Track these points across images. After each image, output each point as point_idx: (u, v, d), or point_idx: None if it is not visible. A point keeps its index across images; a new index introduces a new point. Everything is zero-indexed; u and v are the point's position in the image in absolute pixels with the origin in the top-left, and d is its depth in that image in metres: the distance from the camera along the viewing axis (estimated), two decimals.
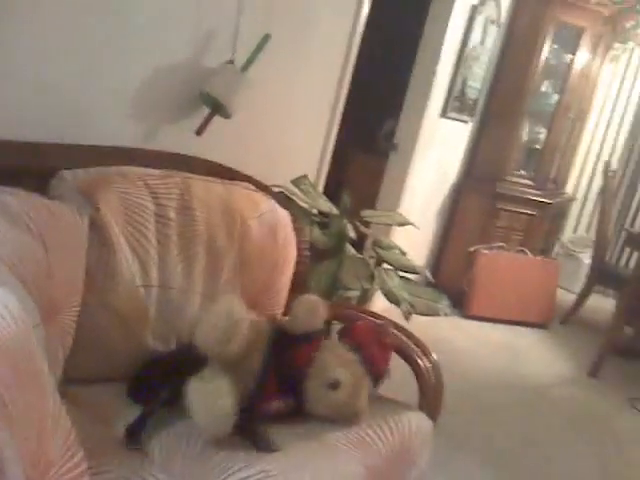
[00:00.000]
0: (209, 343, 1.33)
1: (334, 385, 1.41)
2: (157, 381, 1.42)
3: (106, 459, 1.18)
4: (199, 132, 1.99)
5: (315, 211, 2.42)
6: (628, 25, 4.56)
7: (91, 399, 1.39)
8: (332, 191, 3.14)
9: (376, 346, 1.57)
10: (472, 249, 4.20)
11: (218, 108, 1.96)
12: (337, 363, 1.45)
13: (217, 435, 1.26)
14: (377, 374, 1.56)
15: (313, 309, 1.51)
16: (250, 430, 1.32)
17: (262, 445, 1.30)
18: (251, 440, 1.30)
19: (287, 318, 1.53)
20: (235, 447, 1.29)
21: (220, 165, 1.95)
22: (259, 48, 2.05)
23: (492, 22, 3.81)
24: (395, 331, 1.78)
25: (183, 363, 1.40)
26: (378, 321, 1.71)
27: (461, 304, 4.12)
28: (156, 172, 1.62)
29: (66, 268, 1.29)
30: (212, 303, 1.42)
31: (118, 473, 1.15)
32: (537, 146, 4.38)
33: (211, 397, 1.25)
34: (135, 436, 1.30)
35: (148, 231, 1.51)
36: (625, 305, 3.65)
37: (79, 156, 1.55)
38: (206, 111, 1.98)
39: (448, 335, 3.66)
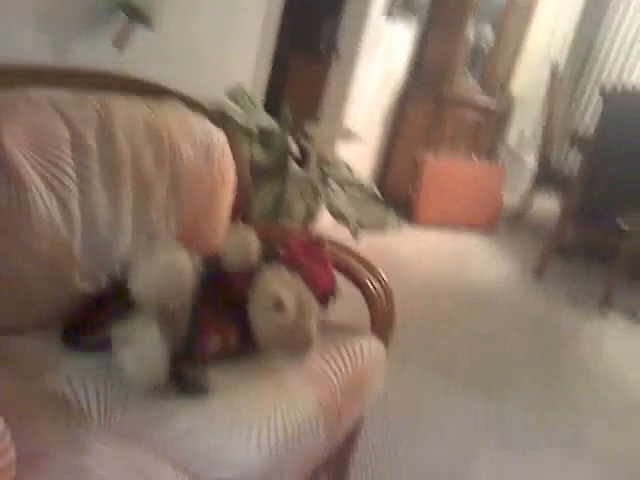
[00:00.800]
0: (149, 297, 1.22)
1: (278, 306, 1.32)
2: (94, 323, 1.32)
3: (38, 422, 1.08)
4: (118, 44, 1.78)
5: (254, 127, 2.26)
6: None
7: (18, 352, 1.27)
8: (271, 102, 2.96)
9: (316, 263, 1.48)
10: (418, 156, 4.13)
11: (137, 15, 1.74)
12: (278, 284, 1.36)
13: (149, 387, 1.18)
14: (323, 293, 1.48)
15: (243, 246, 1.40)
16: (180, 374, 1.24)
17: (188, 388, 1.23)
18: (180, 384, 1.22)
19: (221, 252, 1.41)
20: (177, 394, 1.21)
21: (145, 81, 1.74)
22: None
23: None
24: (343, 254, 1.71)
25: (122, 303, 1.29)
26: (312, 236, 1.61)
27: (408, 212, 4.10)
28: (69, 95, 1.43)
29: None
30: (150, 252, 1.29)
31: (51, 437, 1.05)
32: (484, 46, 4.24)
33: (141, 348, 1.15)
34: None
35: (65, 163, 1.34)
36: (571, 206, 3.68)
37: None
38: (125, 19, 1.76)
39: (395, 245, 3.64)
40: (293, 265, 1.42)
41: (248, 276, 1.36)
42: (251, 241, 1.41)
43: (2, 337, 1.28)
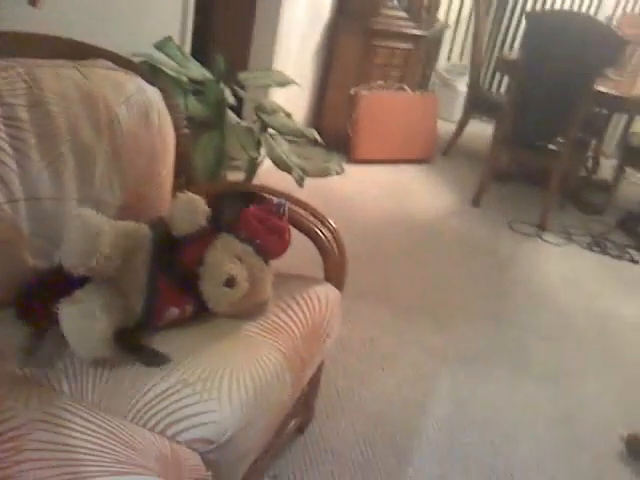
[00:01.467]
0: (72, 263, 1.22)
1: (229, 282, 1.34)
2: (49, 298, 1.31)
3: (8, 402, 1.08)
4: (33, 1, 1.68)
5: (186, 79, 2.20)
6: None
7: None
8: (197, 46, 2.86)
9: (271, 233, 1.47)
10: (353, 91, 4.11)
11: None
12: (229, 258, 1.36)
13: (97, 358, 1.20)
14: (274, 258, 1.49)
15: (190, 211, 1.39)
16: (135, 347, 1.26)
17: (151, 360, 1.25)
18: (138, 357, 1.24)
19: (169, 218, 1.41)
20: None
21: (68, 41, 1.66)
22: None
23: None
24: (292, 205, 1.72)
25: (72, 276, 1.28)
26: (274, 199, 1.62)
27: (346, 150, 4.11)
28: None
29: None
30: (67, 221, 1.27)
31: (26, 416, 1.06)
32: None
33: (83, 320, 1.17)
34: (30, 357, 1.22)
35: None
36: (502, 131, 3.76)
37: None
38: None
39: (337, 184, 3.67)
40: (246, 234, 1.41)
41: (198, 247, 1.36)
42: (198, 206, 1.40)
43: None
